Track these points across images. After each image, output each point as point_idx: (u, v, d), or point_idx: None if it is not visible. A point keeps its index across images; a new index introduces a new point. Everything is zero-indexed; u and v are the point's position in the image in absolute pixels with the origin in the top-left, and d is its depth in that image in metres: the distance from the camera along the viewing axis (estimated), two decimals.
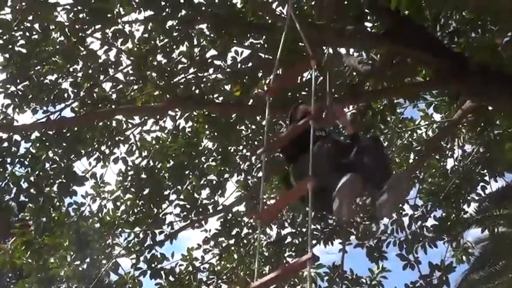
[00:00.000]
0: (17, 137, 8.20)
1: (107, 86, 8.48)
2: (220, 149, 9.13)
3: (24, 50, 7.76)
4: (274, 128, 8.59)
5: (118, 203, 9.22)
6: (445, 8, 7.32)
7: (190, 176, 9.24)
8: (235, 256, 9.71)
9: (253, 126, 9.09)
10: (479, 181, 10.01)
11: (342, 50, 8.21)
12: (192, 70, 8.27)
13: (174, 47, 8.11)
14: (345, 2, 7.33)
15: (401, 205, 9.78)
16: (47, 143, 8.25)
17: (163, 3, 7.24)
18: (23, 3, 7.36)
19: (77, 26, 7.60)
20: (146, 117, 9.05)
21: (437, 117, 10.34)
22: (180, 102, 8.07)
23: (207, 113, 8.80)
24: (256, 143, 9.04)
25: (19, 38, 7.73)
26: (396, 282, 10.45)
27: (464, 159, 10.27)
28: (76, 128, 8.36)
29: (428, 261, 9.06)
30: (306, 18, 7.69)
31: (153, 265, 9.04)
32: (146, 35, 8.08)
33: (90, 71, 8.16)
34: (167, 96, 8.15)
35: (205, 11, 7.53)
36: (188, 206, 9.17)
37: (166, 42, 8.04)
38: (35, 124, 8.20)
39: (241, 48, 8.19)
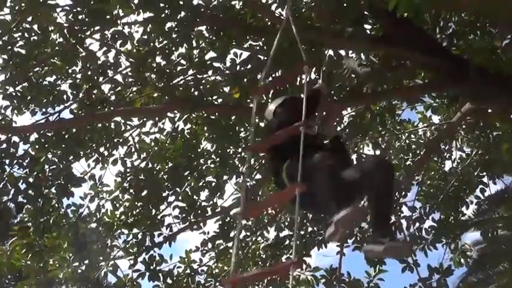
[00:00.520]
0: (15, 139, 8.20)
1: (106, 87, 8.49)
2: (219, 151, 9.11)
3: (23, 51, 7.75)
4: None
5: (117, 205, 9.21)
6: (442, 10, 7.33)
7: (189, 178, 9.23)
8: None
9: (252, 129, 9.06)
10: (478, 183, 10.02)
11: (342, 52, 8.21)
12: (191, 72, 8.27)
13: (173, 48, 8.11)
14: (344, 4, 7.33)
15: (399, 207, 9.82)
16: (45, 145, 8.25)
17: (162, 4, 7.24)
18: (22, 4, 7.35)
19: (76, 28, 7.59)
20: (145, 119, 9.04)
21: (435, 119, 10.37)
22: (179, 104, 8.07)
23: (205, 115, 8.80)
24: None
25: (18, 39, 7.72)
26: (395, 285, 10.42)
27: (463, 161, 10.28)
28: (74, 130, 8.35)
29: (427, 264, 9.05)
30: (305, 20, 7.70)
31: (151, 267, 9.03)
32: (145, 37, 8.07)
33: (89, 73, 8.16)
34: (166, 98, 8.15)
35: (204, 13, 7.53)
36: (187, 208, 9.16)
37: (165, 44, 8.04)
38: (34, 125, 8.19)
39: (240, 50, 8.19)
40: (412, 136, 10.47)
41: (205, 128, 9.01)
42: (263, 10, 7.77)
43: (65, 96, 8.20)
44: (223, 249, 9.66)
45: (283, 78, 5.83)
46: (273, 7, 8.05)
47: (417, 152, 10.21)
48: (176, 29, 7.67)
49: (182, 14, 7.34)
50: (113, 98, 8.43)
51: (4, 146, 8.11)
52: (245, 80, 8.13)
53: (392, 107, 9.31)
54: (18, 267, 8.80)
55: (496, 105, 7.87)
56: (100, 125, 8.59)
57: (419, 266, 8.97)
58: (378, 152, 10.12)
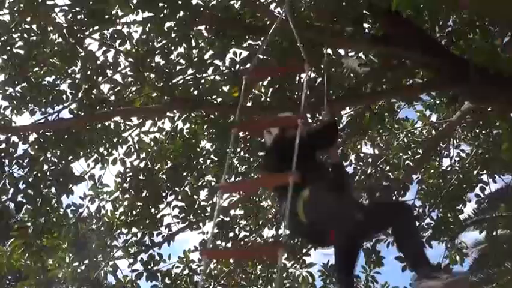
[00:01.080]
0: (14, 138, 8.19)
1: (105, 87, 8.48)
2: (218, 151, 9.10)
3: (22, 52, 7.74)
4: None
5: (117, 205, 9.20)
6: (442, 8, 7.32)
7: (188, 177, 9.23)
8: (232, 260, 9.68)
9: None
10: (478, 181, 10.02)
11: (341, 51, 8.20)
12: (190, 71, 8.25)
13: (172, 48, 8.09)
14: (344, 4, 7.32)
15: None
16: (45, 145, 8.24)
17: (161, 4, 7.22)
18: (21, 5, 7.33)
19: (75, 27, 7.58)
20: (144, 119, 9.03)
21: (434, 118, 10.36)
22: (179, 103, 8.06)
23: (205, 114, 8.78)
24: (252, 145, 9.02)
25: (17, 39, 7.71)
26: (396, 284, 10.42)
27: (462, 160, 10.28)
28: (74, 130, 8.34)
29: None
30: (304, 19, 7.69)
31: (149, 267, 9.02)
32: (144, 37, 8.06)
33: (88, 73, 8.14)
34: (166, 97, 8.14)
35: (203, 12, 7.51)
36: (186, 208, 9.15)
37: (164, 43, 8.03)
38: (33, 125, 8.18)
39: (239, 49, 8.18)
40: (409, 135, 10.46)
41: (205, 128, 9.01)
42: (262, 9, 7.76)
43: (64, 97, 8.18)
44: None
45: (279, 70, 5.80)
46: (272, 6, 8.04)
47: (416, 150, 10.21)
48: (175, 28, 7.66)
49: (181, 13, 7.33)
50: (112, 97, 8.42)
51: (3, 145, 8.10)
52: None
53: (391, 106, 9.31)
54: (17, 267, 8.79)
55: (496, 105, 7.87)
56: (99, 125, 8.58)
57: None
58: (377, 151, 10.14)
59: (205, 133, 9.11)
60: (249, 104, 8.42)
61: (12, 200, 8.24)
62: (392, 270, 9.25)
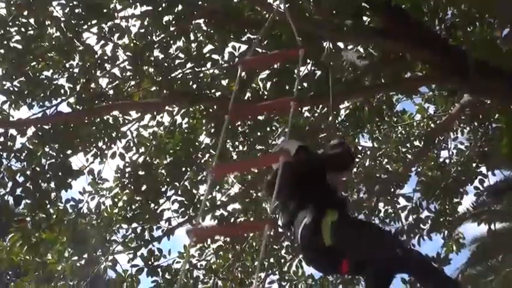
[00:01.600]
0: (13, 132, 8.17)
1: (103, 81, 8.45)
2: (217, 145, 9.08)
3: (19, 46, 7.71)
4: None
5: (116, 199, 9.18)
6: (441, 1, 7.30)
7: (188, 172, 9.20)
8: (231, 254, 9.69)
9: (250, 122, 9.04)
10: (477, 174, 10.02)
11: (341, 45, 8.18)
12: (189, 65, 8.23)
13: (171, 42, 8.07)
14: None
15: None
16: (43, 139, 8.21)
17: None
18: None
19: (73, 21, 7.55)
20: (143, 113, 9.00)
21: (432, 110, 10.35)
22: (177, 97, 8.03)
23: (204, 108, 8.76)
24: (252, 139, 9.00)
25: (14, 33, 7.68)
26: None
27: (462, 153, 10.27)
28: (72, 124, 8.32)
29: (424, 254, 9.02)
30: (303, 12, 7.66)
31: (150, 262, 9.01)
32: (142, 30, 8.02)
33: (86, 66, 8.11)
34: (165, 91, 8.12)
35: (201, 6, 7.49)
36: (186, 202, 9.13)
37: (162, 37, 8.00)
38: (31, 119, 8.16)
39: (238, 43, 8.15)
40: (408, 128, 10.44)
41: (204, 122, 8.98)
42: (261, 3, 7.73)
43: (62, 91, 8.15)
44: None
45: (274, 56, 5.78)
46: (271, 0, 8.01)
47: (415, 143, 10.20)
48: (173, 22, 7.63)
49: (180, 7, 7.30)
50: (111, 92, 8.39)
51: (1, 139, 8.08)
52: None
53: (390, 99, 9.29)
54: (17, 262, 8.77)
55: (495, 98, 7.85)
56: (98, 119, 8.55)
57: None
58: (375, 144, 10.12)
59: (204, 127, 9.08)
60: (248, 98, 8.39)
61: (11, 194, 8.23)
62: None
